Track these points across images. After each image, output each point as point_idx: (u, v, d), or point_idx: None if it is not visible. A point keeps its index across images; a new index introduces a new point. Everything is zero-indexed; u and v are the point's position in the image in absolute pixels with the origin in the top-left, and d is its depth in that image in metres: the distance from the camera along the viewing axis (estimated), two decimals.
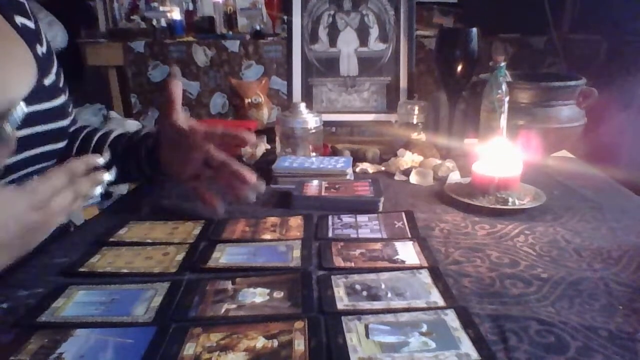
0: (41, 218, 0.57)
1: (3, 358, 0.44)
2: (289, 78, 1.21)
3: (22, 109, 0.61)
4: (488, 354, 0.44)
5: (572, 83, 1.00)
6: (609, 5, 2.08)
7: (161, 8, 2.75)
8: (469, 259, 0.63)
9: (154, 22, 2.67)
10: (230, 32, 2.71)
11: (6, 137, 0.58)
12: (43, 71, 0.73)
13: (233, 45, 2.52)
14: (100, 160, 0.67)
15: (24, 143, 0.66)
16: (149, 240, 0.68)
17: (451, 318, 0.49)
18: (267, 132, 1.21)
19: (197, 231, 0.71)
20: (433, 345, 0.45)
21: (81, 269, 0.61)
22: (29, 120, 0.68)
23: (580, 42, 2.34)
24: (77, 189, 0.61)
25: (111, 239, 0.69)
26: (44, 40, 0.79)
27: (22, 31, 0.74)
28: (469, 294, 0.54)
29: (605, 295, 0.54)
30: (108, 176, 0.68)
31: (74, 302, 0.53)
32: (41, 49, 0.76)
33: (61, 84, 0.80)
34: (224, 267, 0.61)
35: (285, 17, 1.63)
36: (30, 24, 0.77)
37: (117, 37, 2.66)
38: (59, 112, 0.74)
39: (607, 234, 0.70)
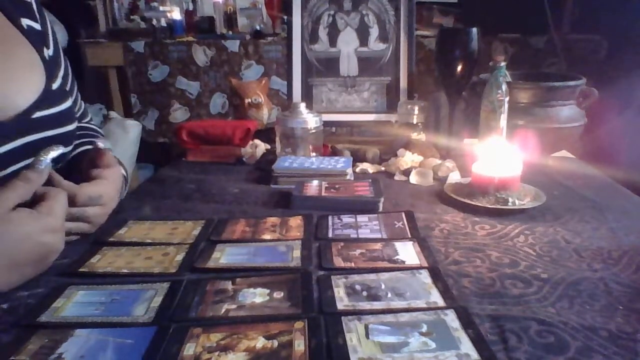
0: (56, 240, 0.58)
1: (3, 358, 0.44)
2: (289, 78, 1.21)
3: (57, 152, 0.63)
4: (488, 354, 0.44)
5: (572, 83, 1.00)
6: (609, 5, 2.08)
7: (161, 8, 2.75)
8: (469, 259, 0.63)
9: (154, 22, 2.66)
10: (230, 32, 2.70)
11: (40, 171, 0.60)
12: (50, 75, 0.72)
13: (233, 45, 2.51)
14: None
15: (30, 149, 0.65)
16: (148, 240, 0.68)
17: (451, 318, 0.49)
18: (267, 132, 1.21)
19: (197, 231, 0.71)
20: (433, 345, 0.45)
21: (81, 269, 0.61)
22: (37, 125, 0.67)
23: (580, 42, 2.34)
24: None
25: (111, 239, 0.69)
26: (51, 42, 0.78)
27: (28, 34, 0.72)
28: (469, 294, 0.54)
29: (605, 295, 0.54)
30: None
31: (74, 302, 0.53)
32: (47, 52, 0.75)
33: (68, 87, 0.79)
34: (224, 267, 0.61)
35: (285, 17, 1.64)
36: (37, 26, 0.75)
37: (117, 37, 2.66)
38: (65, 117, 0.73)
39: (607, 234, 0.70)
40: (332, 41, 1.19)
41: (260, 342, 0.46)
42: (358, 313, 0.50)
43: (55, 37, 0.80)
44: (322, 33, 1.19)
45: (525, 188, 0.82)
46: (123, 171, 0.79)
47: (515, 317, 0.50)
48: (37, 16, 0.77)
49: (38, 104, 0.68)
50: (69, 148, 0.76)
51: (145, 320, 0.50)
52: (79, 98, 0.87)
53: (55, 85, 0.73)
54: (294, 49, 1.20)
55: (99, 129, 0.91)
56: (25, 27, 0.72)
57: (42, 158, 0.60)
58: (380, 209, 0.79)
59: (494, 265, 0.61)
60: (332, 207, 0.79)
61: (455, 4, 2.59)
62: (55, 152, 0.62)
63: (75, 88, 0.85)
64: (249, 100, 1.32)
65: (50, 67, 0.73)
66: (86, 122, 0.90)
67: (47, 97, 0.70)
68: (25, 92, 0.67)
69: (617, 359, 0.44)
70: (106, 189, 0.70)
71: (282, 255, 0.64)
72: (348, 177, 0.92)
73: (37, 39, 0.74)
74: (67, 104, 0.74)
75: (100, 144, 0.69)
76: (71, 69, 0.84)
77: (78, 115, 0.85)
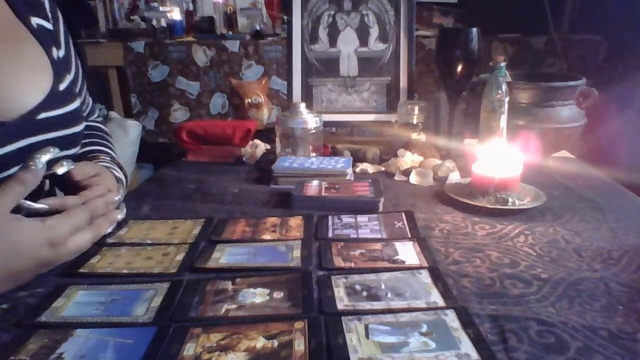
0: (55, 254, 0.57)
1: (3, 358, 0.44)
2: (289, 78, 1.21)
3: (52, 153, 0.60)
4: (488, 354, 0.44)
5: (572, 83, 1.00)
6: (609, 5, 2.08)
7: (161, 8, 2.74)
8: (469, 259, 0.63)
9: (154, 22, 2.66)
10: (230, 32, 2.70)
11: (35, 172, 0.58)
12: (58, 76, 0.71)
13: (233, 45, 2.51)
14: (117, 197, 0.68)
15: (35, 150, 0.63)
16: (148, 241, 0.68)
17: (451, 318, 0.49)
18: (267, 132, 1.21)
19: (197, 231, 0.71)
20: (433, 345, 0.45)
21: (81, 269, 0.61)
22: (42, 127, 0.66)
23: (580, 42, 2.34)
24: (96, 230, 0.62)
25: (111, 239, 0.69)
26: (62, 42, 0.77)
27: (38, 33, 0.71)
28: (469, 294, 0.54)
29: (605, 295, 0.54)
30: (120, 215, 0.71)
31: (74, 302, 0.53)
32: (57, 52, 0.74)
33: (77, 88, 0.78)
34: (224, 267, 0.61)
35: (285, 17, 1.64)
36: (48, 25, 0.74)
37: (117, 37, 2.66)
38: (72, 118, 0.72)
39: (607, 234, 0.70)
40: (332, 41, 1.19)
41: (260, 342, 0.46)
42: (358, 313, 0.50)
43: (68, 38, 0.79)
44: (322, 33, 1.19)
45: (525, 188, 0.82)
46: (119, 174, 0.77)
47: (515, 317, 0.50)
48: (50, 15, 0.76)
49: (44, 105, 0.67)
50: (77, 149, 0.75)
51: (145, 320, 0.50)
52: (87, 96, 0.87)
53: (62, 86, 0.72)
54: (294, 49, 1.20)
55: (105, 128, 0.90)
56: (35, 25, 0.71)
57: (36, 159, 0.58)
58: (380, 209, 0.79)
59: (494, 265, 0.61)
60: (332, 207, 0.79)
61: (455, 4, 2.59)
62: (50, 154, 0.60)
63: (85, 88, 0.84)
64: (249, 100, 1.32)
65: (59, 67, 0.72)
66: (93, 121, 0.89)
67: (54, 98, 0.69)
68: (31, 92, 0.67)
69: (617, 359, 0.44)
70: (102, 181, 0.68)
71: (282, 255, 0.64)
72: (348, 177, 0.92)
73: (47, 39, 0.72)
74: (74, 105, 0.73)
75: (59, 169, 0.64)
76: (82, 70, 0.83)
77: (85, 114, 0.85)
